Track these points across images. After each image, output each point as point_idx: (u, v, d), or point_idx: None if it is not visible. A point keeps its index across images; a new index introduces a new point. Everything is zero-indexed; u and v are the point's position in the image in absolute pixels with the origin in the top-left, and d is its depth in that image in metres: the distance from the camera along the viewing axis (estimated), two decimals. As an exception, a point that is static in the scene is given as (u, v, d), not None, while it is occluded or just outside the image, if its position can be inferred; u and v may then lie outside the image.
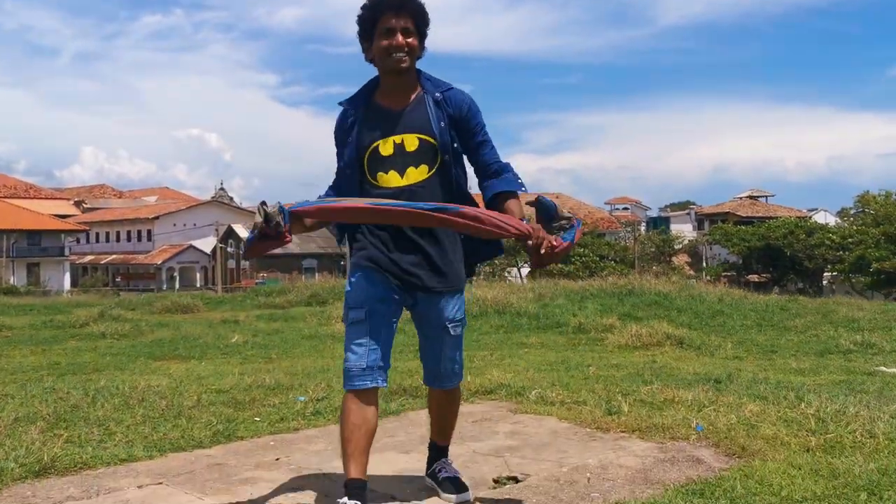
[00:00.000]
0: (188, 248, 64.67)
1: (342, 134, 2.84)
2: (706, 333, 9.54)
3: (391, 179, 2.77)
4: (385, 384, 2.78)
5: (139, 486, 3.28)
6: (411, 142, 2.76)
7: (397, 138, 2.76)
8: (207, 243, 63.10)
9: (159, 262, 63.94)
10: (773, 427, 4.08)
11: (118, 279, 65.54)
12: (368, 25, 2.74)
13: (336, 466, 3.55)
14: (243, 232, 62.67)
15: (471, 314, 11.91)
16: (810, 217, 58.41)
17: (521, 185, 2.86)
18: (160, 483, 3.33)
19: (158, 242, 66.25)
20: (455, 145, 2.81)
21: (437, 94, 2.80)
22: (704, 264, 55.48)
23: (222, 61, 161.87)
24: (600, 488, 3.21)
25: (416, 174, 2.77)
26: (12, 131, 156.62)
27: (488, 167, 2.86)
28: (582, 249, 43.18)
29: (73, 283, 59.30)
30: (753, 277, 48.33)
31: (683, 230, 62.62)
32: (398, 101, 2.80)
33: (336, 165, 2.90)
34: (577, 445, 3.91)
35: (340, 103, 2.87)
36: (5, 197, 65.89)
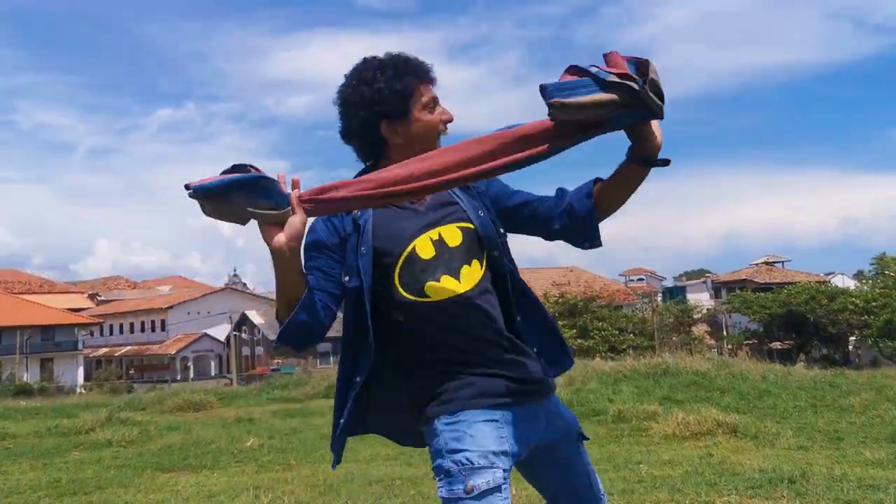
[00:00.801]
0: (202, 336, 64.14)
1: (330, 238, 2.06)
2: (759, 418, 8.81)
3: (448, 286, 2.01)
4: None
5: None
6: (452, 235, 2.06)
7: (433, 234, 2.05)
8: (221, 331, 62.59)
9: (173, 352, 63.31)
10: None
11: (132, 371, 64.86)
12: (403, 97, 2.03)
13: None
14: (257, 318, 62.23)
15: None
16: (829, 281, 57.59)
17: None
18: None
19: (172, 332, 65.78)
20: (501, 231, 2.14)
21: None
22: (725, 333, 54.44)
23: (234, 150, 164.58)
24: None
25: (474, 274, 2.05)
26: (28, 227, 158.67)
27: (553, 198, 2.15)
28: (600, 323, 42.47)
29: (87, 377, 58.63)
30: (776, 345, 47.27)
31: (700, 299, 61.78)
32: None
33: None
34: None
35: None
36: (20, 293, 65.90)
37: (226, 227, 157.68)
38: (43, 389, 46.92)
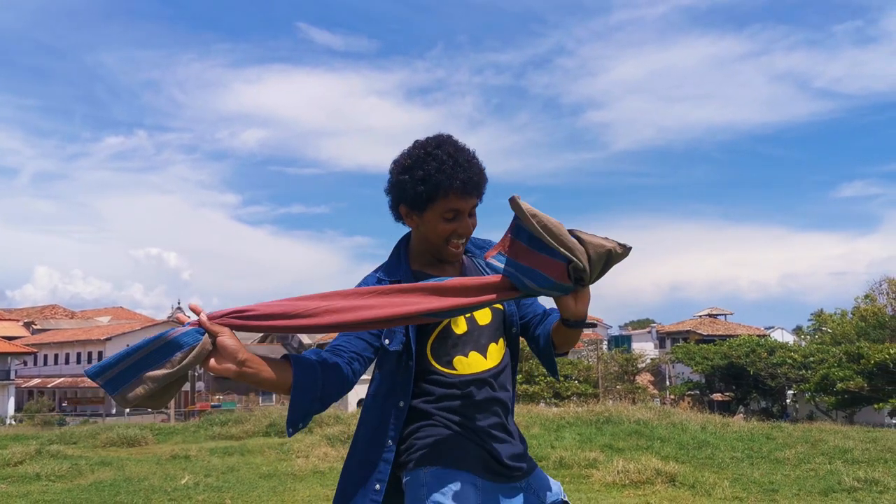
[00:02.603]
0: (140, 370, 62.60)
1: None
2: (697, 468, 8.92)
3: (474, 363, 2.14)
4: None
5: None
6: (483, 313, 2.19)
7: (467, 313, 2.14)
8: (161, 365, 61.14)
9: (109, 386, 61.51)
10: None
11: (65, 404, 62.76)
12: (423, 199, 2.11)
13: None
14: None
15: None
16: (769, 335, 58.89)
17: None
18: None
19: (109, 364, 63.99)
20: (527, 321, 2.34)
21: (481, 261, 2.29)
22: (668, 383, 55.10)
23: (184, 181, 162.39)
24: None
25: (497, 352, 2.20)
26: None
27: (541, 316, 2.34)
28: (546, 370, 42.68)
29: (18, 408, 56.57)
30: (717, 396, 48.02)
31: (645, 348, 62.52)
32: (445, 269, 2.23)
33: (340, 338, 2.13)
34: None
35: (380, 275, 2.19)
36: (-50, 318, 63.59)
37: (172, 259, 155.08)
38: (-30, 420, 45.18)
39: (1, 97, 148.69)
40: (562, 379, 42.67)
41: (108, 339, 65.19)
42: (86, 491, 8.40)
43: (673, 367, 56.61)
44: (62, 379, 66.22)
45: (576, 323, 2.04)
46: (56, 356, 69.22)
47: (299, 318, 1.90)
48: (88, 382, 62.76)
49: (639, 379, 56.00)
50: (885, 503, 6.99)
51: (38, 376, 68.28)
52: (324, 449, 10.85)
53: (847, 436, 11.18)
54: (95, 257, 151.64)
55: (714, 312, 69.45)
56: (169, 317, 76.34)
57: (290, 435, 1.96)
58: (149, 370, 1.77)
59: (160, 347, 1.79)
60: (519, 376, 41.01)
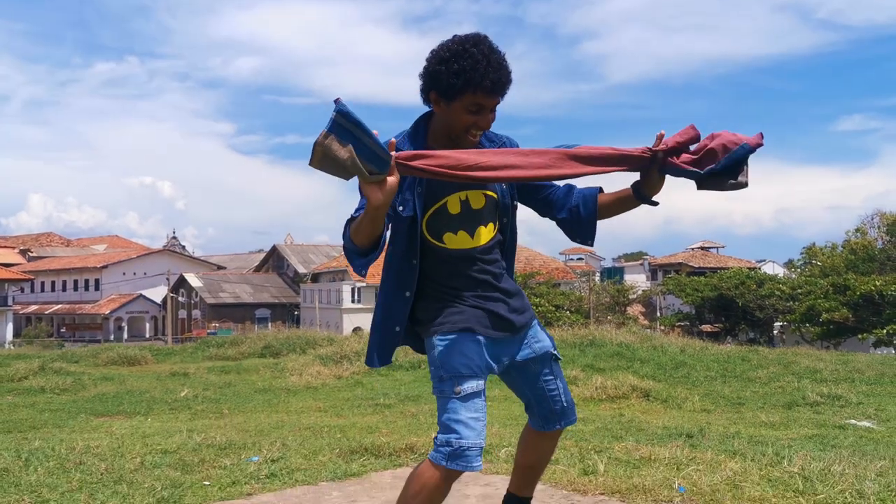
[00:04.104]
0: (138, 297, 63.15)
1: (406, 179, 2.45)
2: (671, 385, 9.38)
3: (462, 240, 2.50)
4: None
5: (70, 566, 2.91)
6: (477, 199, 2.51)
7: (462, 195, 2.49)
8: (158, 293, 61.69)
9: (107, 312, 62.21)
10: (758, 488, 3.86)
11: (63, 330, 63.54)
12: (454, 90, 2.37)
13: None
14: (195, 281, 61.56)
15: (430, 366, 11.64)
16: (759, 268, 59.44)
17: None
18: (95, 561, 2.97)
19: (107, 292, 64.55)
20: (515, 203, 2.64)
21: (496, 146, 2.56)
22: (659, 314, 55.87)
23: (177, 110, 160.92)
24: (585, 560, 2.94)
25: (486, 234, 2.54)
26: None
27: (564, 189, 2.64)
28: (537, 300, 43.18)
29: (17, 334, 57.30)
30: (707, 327, 48.74)
31: (637, 280, 63.14)
32: None
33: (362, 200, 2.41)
34: (554, 510, 3.63)
35: (400, 144, 2.43)
36: (-53, 245, 63.80)
37: (166, 189, 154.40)
38: (-30, 344, 45.86)
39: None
40: (553, 308, 43.27)
41: (105, 266, 65.59)
42: (90, 402, 8.82)
43: (664, 298, 57.29)
44: (60, 305, 66.85)
45: (648, 201, 2.52)
46: (53, 283, 69.72)
47: (473, 170, 2.30)
48: (87, 308, 63.45)
49: (630, 310, 56.72)
50: (845, 415, 7.42)
51: (36, 303, 68.91)
52: (317, 368, 11.27)
53: (820, 358, 11.64)
54: (89, 186, 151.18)
55: (706, 245, 69.88)
56: (165, 245, 76.64)
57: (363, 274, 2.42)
58: (353, 142, 2.09)
59: (368, 146, 2.11)
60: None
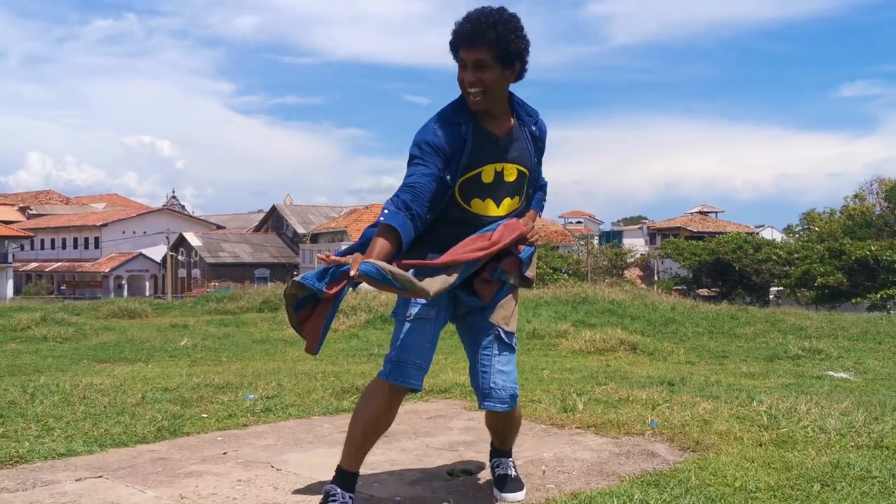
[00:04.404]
0: (137, 256, 63.37)
1: (450, 147, 2.57)
2: (659, 340, 9.61)
3: (487, 208, 2.69)
4: (421, 390, 2.72)
5: (77, 480, 3.13)
6: (511, 172, 2.69)
7: (498, 166, 2.66)
8: (158, 252, 61.90)
9: (107, 271, 62.48)
10: (726, 423, 4.08)
11: (63, 287, 63.88)
12: (453, 52, 2.63)
13: (285, 460, 3.45)
14: (195, 240, 61.75)
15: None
16: (758, 233, 59.59)
17: (542, 206, 3.01)
18: (100, 476, 3.19)
19: (106, 250, 64.75)
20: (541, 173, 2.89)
21: (533, 127, 2.76)
22: (656, 278, 56.14)
23: (176, 68, 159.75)
24: (556, 480, 3.17)
25: (511, 205, 2.74)
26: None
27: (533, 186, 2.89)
28: (536, 262, 43.33)
29: (17, 291, 57.62)
30: (703, 291, 48.98)
31: (636, 244, 63.34)
32: (499, 126, 2.68)
33: (416, 168, 2.56)
34: (532, 440, 3.86)
35: (447, 114, 2.63)
36: (-54, 202, 63.85)
37: (165, 148, 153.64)
38: (-29, 300, 46.19)
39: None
40: (550, 271, 43.50)
41: (104, 224, 65.73)
42: (92, 349, 9.05)
43: (662, 262, 57.49)
44: (59, 263, 67.12)
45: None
46: (53, 241, 69.90)
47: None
48: (87, 266, 63.75)
49: (627, 273, 56.98)
50: (824, 368, 7.65)
51: (36, 260, 69.15)
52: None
53: (807, 317, 11.89)
54: (87, 144, 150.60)
55: (705, 210, 69.93)
56: (164, 205, 76.68)
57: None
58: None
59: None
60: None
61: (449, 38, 2.60)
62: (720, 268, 47.53)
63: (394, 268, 2.35)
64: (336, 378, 6.42)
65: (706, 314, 11.98)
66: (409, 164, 2.58)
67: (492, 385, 2.74)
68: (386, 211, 2.49)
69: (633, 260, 58.93)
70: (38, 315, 12.15)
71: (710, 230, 60.42)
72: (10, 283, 58.08)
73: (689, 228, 62.07)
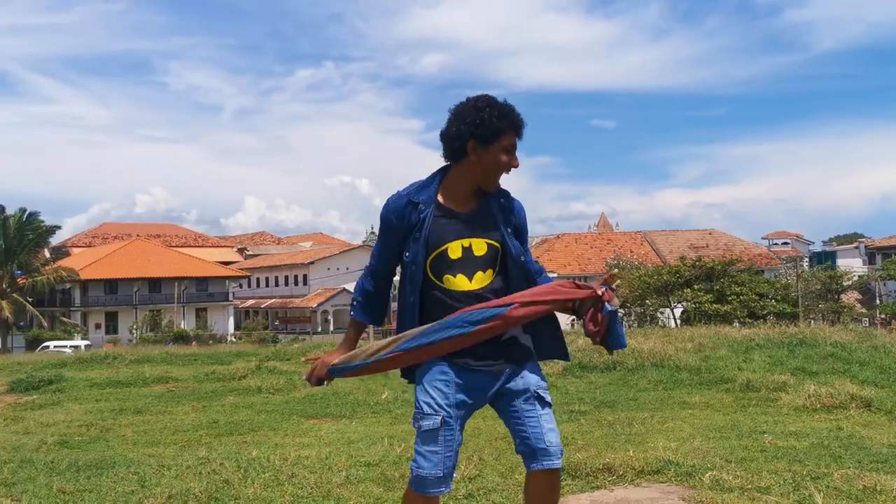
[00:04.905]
0: (341, 291, 66.77)
1: (404, 226, 2.77)
2: (897, 393, 8.53)
3: (460, 283, 2.76)
4: (451, 489, 2.78)
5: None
6: (479, 246, 2.77)
7: (465, 242, 2.76)
8: (359, 287, 64.80)
9: (314, 306, 66.35)
10: None
11: (277, 322, 68.50)
12: (490, 132, 2.70)
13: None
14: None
15: (626, 367, 11.33)
16: None
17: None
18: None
19: (314, 286, 68.85)
20: (524, 254, 2.86)
21: (501, 201, 2.83)
22: (878, 302, 51.38)
23: (370, 110, 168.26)
24: None
25: (484, 278, 2.78)
26: (184, 184, 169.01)
27: (532, 266, 2.90)
28: (739, 288, 40.97)
29: (237, 327, 62.46)
30: (936, 316, 44.22)
31: (852, 265, 58.46)
32: (464, 204, 2.79)
33: (378, 248, 2.88)
34: (766, 552, 3.40)
35: (409, 195, 2.79)
36: (177, 246, 70.73)
37: (364, 187, 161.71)
38: (198, 336, 50.58)
39: (201, 38, 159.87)
40: (756, 297, 40.87)
41: (311, 262, 70.00)
42: (301, 403, 9.40)
43: (884, 284, 52.66)
44: (273, 300, 72.16)
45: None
46: (267, 279, 75.35)
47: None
48: (297, 303, 68.01)
49: (844, 298, 52.60)
50: None
51: (252, 297, 74.76)
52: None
53: None
54: (294, 187, 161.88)
55: (933, 224, 63.26)
56: (364, 241, 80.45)
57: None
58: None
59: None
60: (709, 295, 39.82)
61: (485, 115, 2.69)
62: (956, 289, 42.66)
63: (343, 357, 2.84)
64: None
65: (951, 357, 10.55)
66: (377, 236, 2.90)
67: (547, 443, 2.70)
68: (355, 303, 2.91)
69: (849, 283, 54.30)
70: (254, 364, 12.89)
71: (941, 246, 54.52)
72: (231, 320, 63.11)
73: (915, 245, 56.39)
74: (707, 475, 4.67)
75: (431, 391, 2.69)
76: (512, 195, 2.87)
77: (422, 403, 2.69)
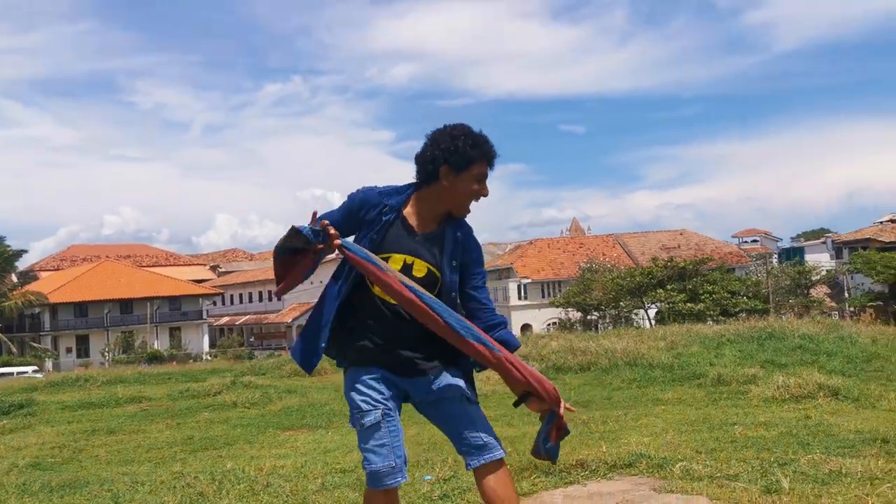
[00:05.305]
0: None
1: (363, 216, 2.84)
2: (863, 381, 8.71)
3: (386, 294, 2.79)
4: (407, 478, 2.85)
5: None
6: (420, 268, 2.81)
7: (409, 259, 2.81)
8: (334, 300, 64.57)
9: (289, 321, 65.94)
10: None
11: (252, 339, 67.99)
12: (464, 160, 2.77)
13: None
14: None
15: (600, 367, 11.44)
16: (964, 238, 54.08)
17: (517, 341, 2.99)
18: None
19: (288, 301, 68.42)
20: (473, 279, 2.90)
21: (459, 234, 2.86)
22: (847, 295, 52.18)
23: (339, 122, 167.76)
24: None
25: None
26: (153, 203, 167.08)
27: (494, 316, 2.90)
28: (711, 287, 41.45)
29: (212, 345, 61.92)
30: (904, 307, 45.00)
31: (820, 260, 59.29)
32: (424, 224, 2.84)
33: (333, 216, 2.84)
34: (734, 536, 3.47)
35: (382, 194, 2.85)
36: (148, 266, 70.03)
37: (336, 199, 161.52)
38: (173, 356, 50.07)
39: (168, 56, 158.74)
40: (728, 295, 41.36)
41: (285, 277, 69.57)
42: (276, 416, 9.39)
43: (851, 277, 53.48)
44: (248, 316, 71.61)
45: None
46: (241, 296, 74.76)
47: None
48: (271, 318, 67.60)
49: (813, 292, 53.37)
50: None
51: (227, 315, 74.14)
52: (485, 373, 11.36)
53: None
54: (267, 201, 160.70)
55: (898, 217, 64.36)
56: (336, 254, 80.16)
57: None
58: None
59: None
60: (682, 295, 40.26)
61: (458, 143, 2.76)
62: (921, 280, 43.46)
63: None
64: (513, 447, 6.21)
65: (915, 345, 10.80)
66: (337, 207, 2.92)
67: (485, 440, 2.77)
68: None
69: (818, 277, 55.12)
70: (229, 380, 12.83)
71: (906, 239, 55.52)
72: (206, 338, 62.55)
73: (880, 239, 57.32)
74: (678, 466, 4.74)
75: (365, 389, 2.76)
76: (473, 236, 2.92)
77: (359, 402, 2.76)
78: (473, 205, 2.86)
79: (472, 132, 2.81)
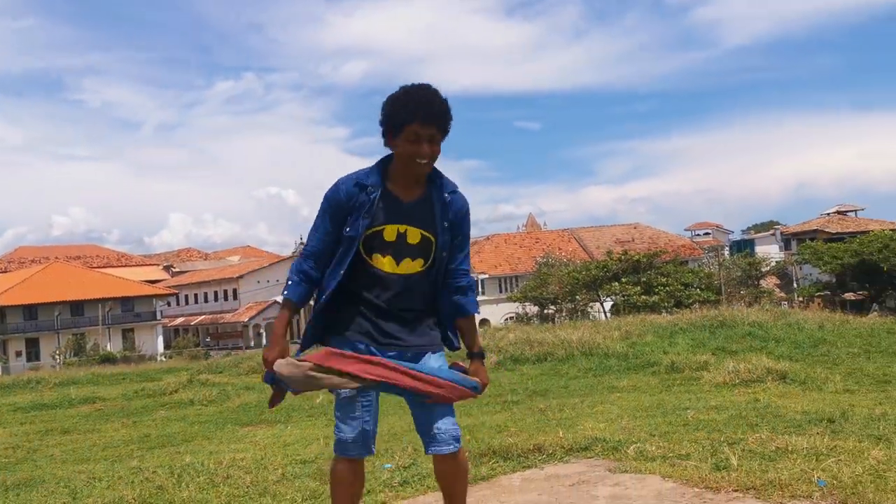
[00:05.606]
0: (273, 304, 65.89)
1: (352, 205, 2.83)
2: (810, 365, 8.99)
3: (385, 263, 2.85)
4: (373, 452, 2.96)
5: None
6: (414, 235, 2.86)
7: (402, 228, 2.85)
8: (291, 298, 64.01)
9: (246, 320, 65.29)
10: (905, 478, 3.67)
11: (208, 339, 67.15)
12: (395, 122, 2.78)
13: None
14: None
15: (557, 358, 11.59)
16: (906, 229, 55.64)
17: (477, 306, 3.06)
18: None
19: (244, 300, 67.73)
20: (453, 242, 2.93)
21: (446, 195, 2.90)
22: (796, 285, 53.38)
23: (294, 119, 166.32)
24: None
25: (411, 266, 2.87)
26: (104, 203, 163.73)
27: (461, 279, 2.96)
28: (665, 279, 42.10)
29: (166, 346, 61.01)
30: (850, 296, 46.21)
31: (770, 251, 60.52)
32: (408, 192, 2.87)
33: (319, 230, 2.87)
34: (687, 510, 3.59)
35: (358, 178, 2.86)
36: (99, 267, 68.72)
37: (291, 197, 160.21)
38: (126, 358, 49.20)
39: (116, 53, 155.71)
40: (682, 287, 42.05)
41: (241, 276, 68.84)
42: (234, 412, 9.33)
43: (800, 268, 54.66)
44: (203, 316, 70.70)
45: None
46: (196, 295, 73.77)
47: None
48: (227, 318, 66.84)
49: (764, 283, 54.47)
50: None
51: (182, 315, 73.09)
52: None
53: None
54: (221, 200, 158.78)
55: (843, 209, 66.03)
56: (293, 252, 79.63)
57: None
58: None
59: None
60: (637, 288, 40.85)
61: (389, 107, 2.79)
62: (866, 269, 44.66)
63: (291, 363, 2.74)
64: (471, 435, 6.30)
65: (859, 331, 11.16)
66: (317, 216, 2.89)
67: (436, 430, 2.80)
68: (289, 282, 2.87)
69: (768, 269, 56.30)
70: (185, 378, 12.70)
71: (851, 230, 56.99)
72: (161, 339, 61.61)
73: (827, 230, 58.78)
74: (632, 448, 4.87)
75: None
76: (458, 190, 2.95)
77: None
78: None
79: (409, 92, 2.79)
